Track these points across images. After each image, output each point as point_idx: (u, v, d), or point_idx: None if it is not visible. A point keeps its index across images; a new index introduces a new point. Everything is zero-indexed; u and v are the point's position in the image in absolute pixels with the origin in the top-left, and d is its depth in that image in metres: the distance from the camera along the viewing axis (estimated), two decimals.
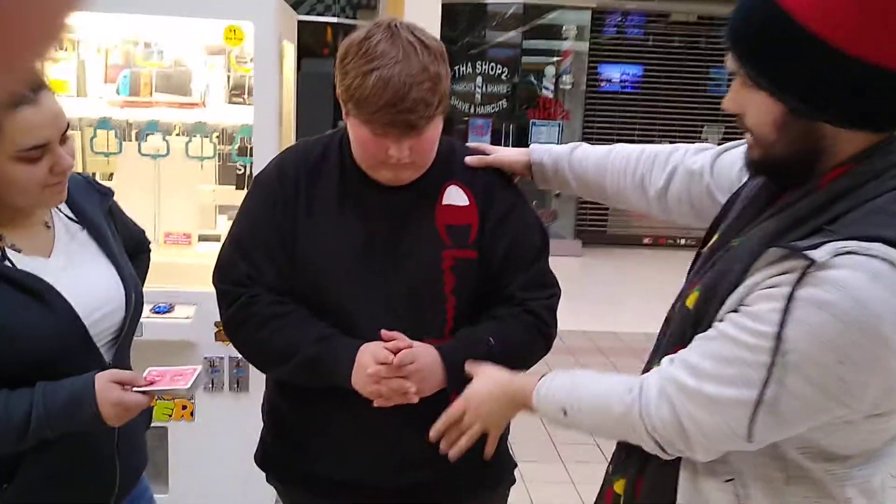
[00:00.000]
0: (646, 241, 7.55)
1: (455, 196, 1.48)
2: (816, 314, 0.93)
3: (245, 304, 1.45)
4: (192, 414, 2.68)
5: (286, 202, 1.46)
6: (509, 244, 1.47)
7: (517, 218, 1.50)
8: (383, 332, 1.39)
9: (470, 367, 1.38)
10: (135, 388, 1.27)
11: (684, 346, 1.09)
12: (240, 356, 2.57)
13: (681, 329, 1.12)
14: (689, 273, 1.25)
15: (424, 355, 1.39)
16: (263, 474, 2.69)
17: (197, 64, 2.83)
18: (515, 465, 1.64)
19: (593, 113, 7.65)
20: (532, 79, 7.60)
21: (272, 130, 2.53)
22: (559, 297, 1.53)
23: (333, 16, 6.70)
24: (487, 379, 1.34)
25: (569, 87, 7.55)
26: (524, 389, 1.26)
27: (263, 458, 1.65)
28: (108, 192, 1.55)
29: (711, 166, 1.37)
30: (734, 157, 1.34)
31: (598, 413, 1.15)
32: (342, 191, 1.47)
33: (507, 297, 1.48)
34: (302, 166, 1.49)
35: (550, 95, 7.51)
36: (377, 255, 1.44)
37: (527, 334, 1.48)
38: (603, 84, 7.75)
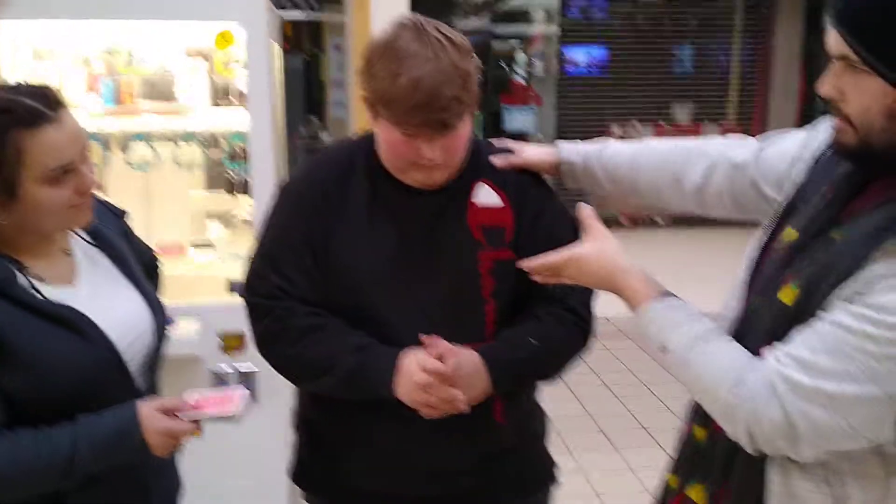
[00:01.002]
0: (622, 221, 7.59)
1: (486, 196, 1.45)
2: None
3: (279, 317, 1.41)
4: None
5: (316, 211, 1.43)
6: (545, 242, 1.44)
7: (551, 215, 1.48)
8: (423, 337, 1.36)
9: (586, 219, 1.30)
10: (182, 416, 1.23)
11: (773, 341, 1.06)
12: (248, 369, 2.57)
13: (772, 326, 1.08)
14: (755, 269, 1.22)
15: (468, 361, 1.36)
16: (279, 486, 2.65)
17: (181, 69, 2.75)
18: (555, 465, 1.62)
19: (565, 96, 7.65)
20: (503, 64, 7.56)
21: (267, 134, 2.47)
22: (595, 293, 1.52)
23: (299, 10, 6.60)
24: (601, 255, 1.25)
25: (540, 71, 7.53)
26: (633, 294, 1.19)
27: (299, 473, 1.61)
28: (122, 213, 1.49)
29: (756, 158, 1.34)
30: (783, 148, 1.31)
31: (700, 384, 1.10)
32: (372, 196, 1.43)
33: (546, 295, 1.45)
34: (330, 174, 1.46)
35: (522, 80, 7.48)
36: (412, 261, 1.41)
37: (567, 332, 1.46)
38: (569, 67, 7.74)
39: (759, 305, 1.14)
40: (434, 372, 1.31)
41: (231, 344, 2.54)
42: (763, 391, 1.03)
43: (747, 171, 1.34)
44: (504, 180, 1.46)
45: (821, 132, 1.24)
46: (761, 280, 1.17)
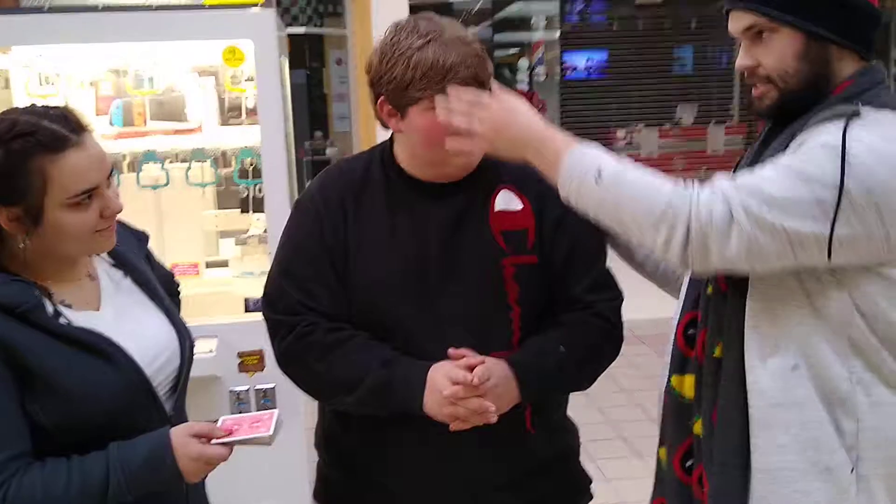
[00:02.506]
0: None
1: (507, 201, 1.43)
2: (870, 134, 1.09)
3: (301, 334, 1.39)
4: None
5: (333, 224, 1.42)
6: (570, 246, 1.43)
7: (574, 219, 1.45)
8: (451, 350, 1.34)
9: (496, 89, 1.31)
10: (214, 441, 1.21)
11: None
12: (266, 386, 2.54)
13: None
14: None
15: (497, 371, 1.34)
16: None
17: (190, 88, 2.75)
18: (590, 480, 1.60)
19: (568, 101, 7.64)
20: (506, 73, 7.56)
21: (280, 149, 2.46)
22: (623, 299, 1.49)
23: (301, 26, 6.61)
24: (520, 112, 1.26)
25: (542, 78, 7.53)
26: (556, 144, 1.23)
27: (324, 493, 1.58)
28: (144, 237, 1.47)
29: None
30: None
31: (639, 189, 1.16)
32: (391, 205, 1.42)
33: (572, 300, 1.43)
34: (346, 185, 1.44)
35: (525, 88, 7.48)
36: (434, 270, 1.39)
37: (597, 338, 1.44)
38: (569, 72, 7.73)
39: None
40: (463, 383, 1.29)
41: (249, 362, 2.52)
42: (707, 189, 1.13)
43: None
44: (525, 186, 1.44)
45: None
46: None
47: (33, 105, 1.22)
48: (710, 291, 1.27)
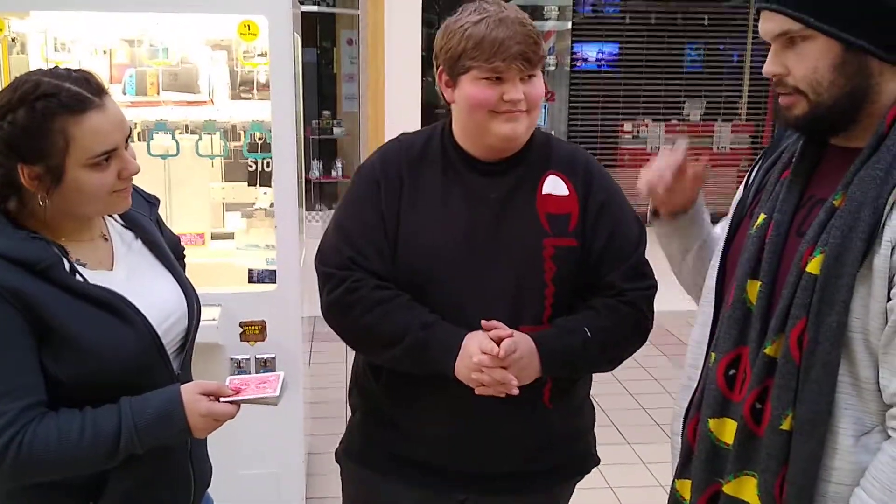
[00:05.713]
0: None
1: (555, 186, 1.51)
2: None
3: (350, 288, 1.46)
4: None
5: (390, 191, 1.49)
6: (609, 234, 1.49)
7: (616, 208, 1.52)
8: (483, 322, 1.41)
9: None
10: (223, 399, 1.25)
11: (809, 314, 1.09)
12: (266, 356, 2.59)
13: (803, 299, 1.10)
14: (724, 259, 1.27)
15: (523, 345, 1.41)
16: (296, 473, 2.68)
17: (203, 60, 2.78)
18: (598, 463, 1.68)
19: (577, 92, 7.65)
20: None
21: (290, 125, 2.49)
22: (656, 289, 1.54)
23: (314, 4, 6.61)
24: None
25: (552, 67, 7.53)
26: None
27: (348, 448, 1.66)
28: (155, 201, 1.51)
29: None
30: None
31: None
32: (445, 179, 1.50)
33: (607, 286, 1.49)
34: (405, 157, 1.52)
35: None
36: (480, 243, 1.47)
37: (624, 325, 1.49)
38: (579, 63, 7.74)
39: (785, 284, 1.14)
40: (490, 354, 1.36)
41: (251, 332, 2.57)
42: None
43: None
44: (572, 171, 1.52)
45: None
46: (744, 271, 1.20)
47: (56, 67, 1.26)
48: (771, 353, 1.15)
